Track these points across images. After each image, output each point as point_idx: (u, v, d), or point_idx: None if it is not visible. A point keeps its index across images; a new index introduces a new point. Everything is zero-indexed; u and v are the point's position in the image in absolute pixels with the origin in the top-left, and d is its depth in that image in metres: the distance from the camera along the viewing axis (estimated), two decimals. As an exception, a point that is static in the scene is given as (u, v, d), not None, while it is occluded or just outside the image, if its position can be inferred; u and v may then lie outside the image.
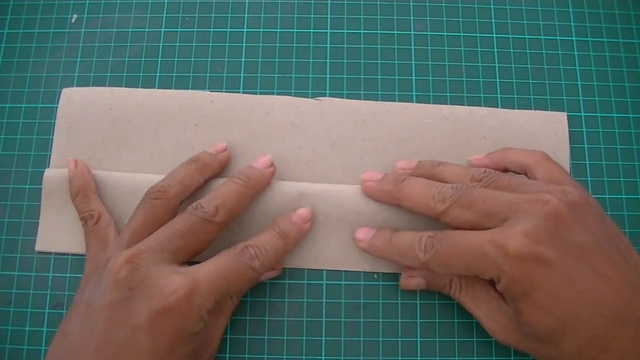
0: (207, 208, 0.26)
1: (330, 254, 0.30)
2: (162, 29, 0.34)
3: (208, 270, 0.25)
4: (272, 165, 0.30)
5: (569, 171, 0.31)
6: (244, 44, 0.34)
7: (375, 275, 0.30)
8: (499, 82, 0.33)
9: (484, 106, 0.33)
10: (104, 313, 0.23)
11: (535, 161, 0.28)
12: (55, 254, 0.30)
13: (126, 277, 0.24)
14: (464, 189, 0.26)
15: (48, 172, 0.31)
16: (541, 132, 0.32)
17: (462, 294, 0.28)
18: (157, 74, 0.33)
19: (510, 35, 0.34)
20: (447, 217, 0.26)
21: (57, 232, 0.30)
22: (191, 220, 0.26)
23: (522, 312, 0.24)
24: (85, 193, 0.29)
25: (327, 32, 0.34)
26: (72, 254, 0.30)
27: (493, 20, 0.34)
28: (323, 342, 0.29)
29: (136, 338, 0.23)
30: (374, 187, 0.29)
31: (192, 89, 0.33)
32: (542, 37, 0.34)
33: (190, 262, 0.27)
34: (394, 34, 0.34)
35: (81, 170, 0.30)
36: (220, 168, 0.30)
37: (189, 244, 0.26)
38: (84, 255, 0.29)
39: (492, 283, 0.26)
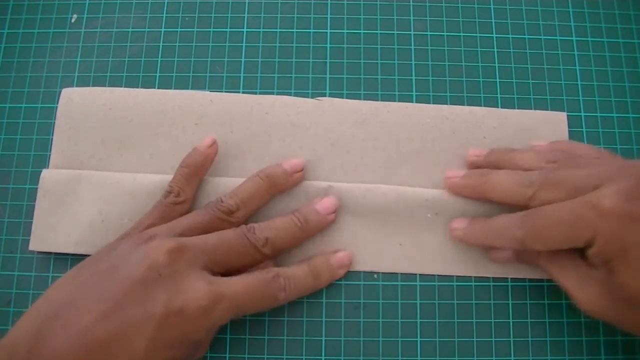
0: (259, 236, 0.27)
1: (330, 254, 0.30)
2: (162, 29, 0.34)
3: (235, 289, 0.25)
4: (334, 212, 0.29)
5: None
6: (244, 44, 0.34)
7: (375, 275, 0.30)
8: (499, 82, 0.33)
9: (484, 106, 0.33)
10: (125, 284, 0.24)
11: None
12: (55, 254, 0.30)
13: (163, 263, 0.24)
14: (549, 171, 0.26)
15: (45, 172, 0.31)
16: (541, 132, 0.32)
17: (550, 262, 0.27)
18: (157, 74, 0.33)
19: (510, 35, 0.34)
20: (536, 201, 0.26)
21: (53, 231, 0.30)
22: (241, 242, 0.27)
23: (616, 273, 0.23)
24: (193, 172, 0.29)
25: (327, 32, 0.34)
26: (72, 255, 0.30)
27: (493, 20, 0.34)
28: (323, 342, 0.29)
29: (144, 323, 0.23)
30: (460, 182, 0.29)
31: (192, 89, 0.33)
32: (542, 37, 0.34)
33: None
34: (394, 34, 0.34)
35: (210, 153, 0.30)
36: (290, 188, 0.30)
37: (229, 262, 0.26)
38: (82, 256, 0.29)
39: (581, 252, 0.25)
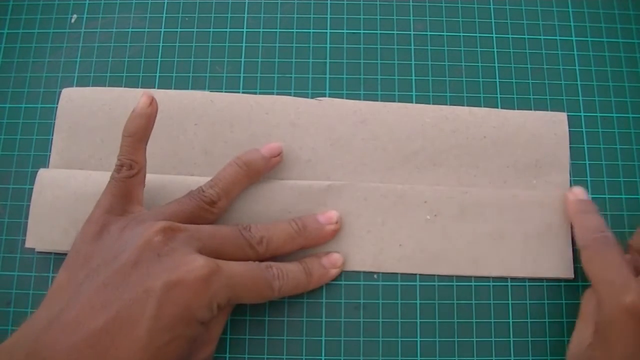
0: (254, 234, 0.27)
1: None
2: (162, 29, 0.34)
3: (233, 267, 0.25)
4: (336, 223, 0.30)
5: (568, 171, 0.31)
6: (243, 44, 0.34)
7: (375, 276, 0.30)
8: (499, 82, 0.33)
9: (484, 106, 0.33)
10: (124, 269, 0.23)
11: None
12: (56, 254, 0.30)
13: (159, 243, 0.24)
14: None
15: (42, 171, 0.31)
16: (541, 132, 0.32)
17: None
18: (157, 74, 0.33)
19: (510, 35, 0.34)
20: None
21: (50, 229, 0.30)
22: (236, 237, 0.27)
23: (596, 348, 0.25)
24: (139, 139, 0.27)
25: (327, 32, 0.34)
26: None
27: (493, 20, 0.34)
28: (323, 342, 0.29)
29: (144, 301, 0.23)
30: (573, 206, 0.30)
31: (192, 89, 0.33)
32: (542, 37, 0.34)
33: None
34: (393, 34, 0.34)
35: (151, 113, 0.27)
36: (268, 172, 0.30)
37: (223, 252, 0.26)
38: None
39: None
